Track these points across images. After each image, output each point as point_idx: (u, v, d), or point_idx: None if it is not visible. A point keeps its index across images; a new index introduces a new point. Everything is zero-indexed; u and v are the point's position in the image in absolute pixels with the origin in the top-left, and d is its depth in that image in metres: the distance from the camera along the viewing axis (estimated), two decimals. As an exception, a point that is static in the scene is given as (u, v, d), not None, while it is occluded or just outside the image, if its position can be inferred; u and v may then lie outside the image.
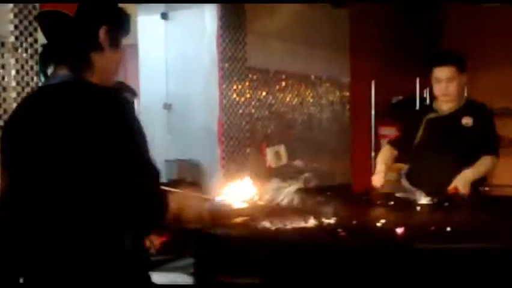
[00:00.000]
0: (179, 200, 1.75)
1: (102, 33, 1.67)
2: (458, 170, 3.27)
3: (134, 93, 3.68)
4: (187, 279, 2.34)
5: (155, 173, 1.61)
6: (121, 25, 1.76)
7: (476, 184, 3.33)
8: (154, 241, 3.46)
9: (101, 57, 1.68)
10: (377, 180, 3.48)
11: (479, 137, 3.41)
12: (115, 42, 1.72)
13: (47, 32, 1.71)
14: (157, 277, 2.28)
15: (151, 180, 1.58)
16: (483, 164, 3.34)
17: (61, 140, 1.53)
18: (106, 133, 1.52)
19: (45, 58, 1.69)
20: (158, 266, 2.78)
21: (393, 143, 3.73)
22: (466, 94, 3.56)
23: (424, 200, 2.89)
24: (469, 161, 3.33)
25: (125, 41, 1.78)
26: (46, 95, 1.65)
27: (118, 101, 1.60)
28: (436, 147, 3.44)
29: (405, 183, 3.63)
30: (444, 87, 3.42)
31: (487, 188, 3.60)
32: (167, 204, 1.62)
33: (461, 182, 3.21)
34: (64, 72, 1.64)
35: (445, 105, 3.53)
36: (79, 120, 1.52)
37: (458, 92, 3.48)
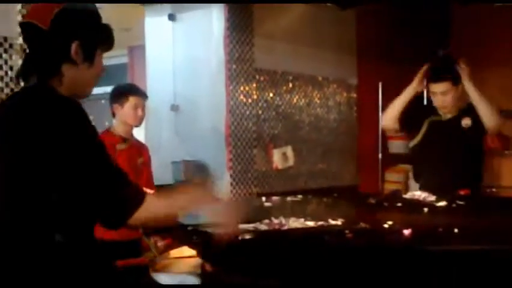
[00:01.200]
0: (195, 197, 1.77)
1: (74, 48, 1.67)
2: (460, 171, 3.40)
3: (145, 96, 3.69)
4: (194, 281, 2.34)
5: (105, 174, 1.60)
6: (97, 40, 1.75)
7: (478, 183, 3.45)
8: (158, 244, 3.47)
9: (74, 70, 1.69)
10: None
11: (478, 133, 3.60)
12: (89, 57, 1.72)
13: (25, 42, 1.77)
14: (164, 278, 2.29)
15: (97, 181, 1.57)
16: None
17: (9, 140, 1.59)
18: (52, 135, 1.54)
19: (23, 67, 1.73)
20: (165, 267, 2.78)
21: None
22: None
23: (432, 201, 2.88)
24: (470, 160, 3.47)
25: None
26: (7, 100, 1.75)
27: (69, 106, 1.60)
28: (438, 149, 3.59)
29: (413, 184, 3.68)
30: (442, 100, 3.63)
31: (494, 189, 3.64)
32: (123, 208, 1.61)
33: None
34: (32, 80, 1.69)
35: (444, 110, 3.70)
36: (27, 122, 1.56)
37: (454, 103, 3.65)
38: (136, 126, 3.63)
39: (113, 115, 3.60)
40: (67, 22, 1.68)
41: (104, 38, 1.77)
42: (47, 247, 1.56)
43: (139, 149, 3.70)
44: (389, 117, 3.77)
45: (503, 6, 5.71)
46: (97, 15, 1.76)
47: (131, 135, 3.66)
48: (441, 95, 3.61)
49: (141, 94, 3.64)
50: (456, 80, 3.59)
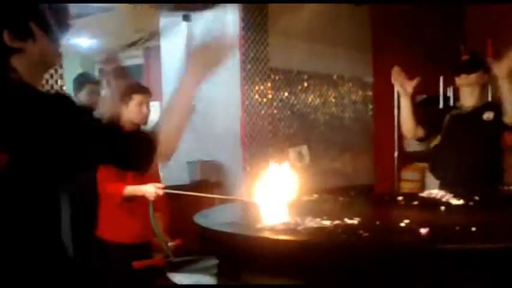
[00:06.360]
0: None
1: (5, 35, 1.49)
2: (479, 161, 3.42)
3: (149, 93, 3.72)
4: (210, 281, 2.34)
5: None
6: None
7: (495, 182, 3.43)
8: (168, 244, 3.47)
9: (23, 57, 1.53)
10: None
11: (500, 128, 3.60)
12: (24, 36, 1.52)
13: None
14: (180, 278, 2.30)
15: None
16: None
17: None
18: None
19: None
20: (181, 267, 2.79)
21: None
22: (489, 92, 3.69)
23: (449, 199, 2.86)
24: (490, 154, 3.49)
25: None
26: None
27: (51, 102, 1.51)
28: (459, 141, 3.61)
29: (429, 182, 3.68)
30: (471, 92, 3.68)
31: (512, 187, 3.64)
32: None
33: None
34: None
35: (468, 101, 3.70)
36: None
37: (480, 94, 3.71)
38: (142, 124, 3.65)
39: None
40: None
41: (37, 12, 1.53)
42: (63, 249, 1.55)
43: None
44: (407, 131, 3.77)
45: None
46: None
47: (138, 133, 3.69)
48: (472, 86, 3.66)
49: (145, 91, 3.69)
50: (487, 69, 3.63)
